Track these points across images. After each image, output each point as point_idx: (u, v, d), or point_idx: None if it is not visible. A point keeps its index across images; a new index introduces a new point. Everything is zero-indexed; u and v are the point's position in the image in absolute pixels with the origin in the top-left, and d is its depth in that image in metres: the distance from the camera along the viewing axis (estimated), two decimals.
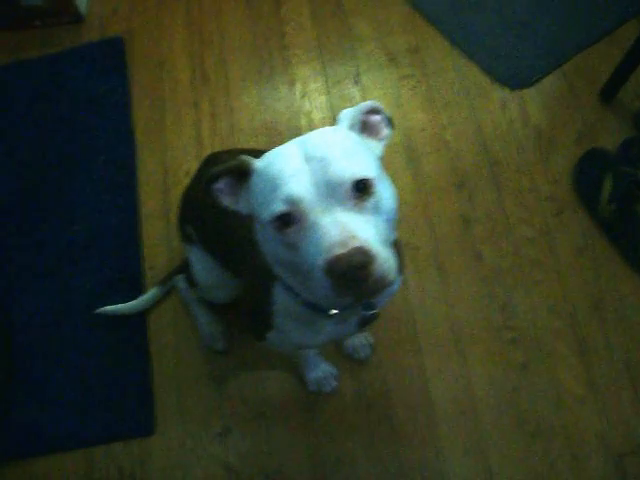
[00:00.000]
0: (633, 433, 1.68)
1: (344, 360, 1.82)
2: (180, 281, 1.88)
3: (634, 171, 1.90)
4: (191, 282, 1.76)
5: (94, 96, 2.32)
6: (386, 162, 2.05)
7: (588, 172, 1.97)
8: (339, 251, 0.84)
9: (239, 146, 2.13)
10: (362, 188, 0.89)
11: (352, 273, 0.84)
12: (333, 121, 2.14)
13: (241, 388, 1.83)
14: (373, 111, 1.05)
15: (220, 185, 1.02)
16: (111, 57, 2.38)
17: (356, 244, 0.84)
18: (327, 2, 2.39)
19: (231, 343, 1.88)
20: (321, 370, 1.78)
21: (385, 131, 1.06)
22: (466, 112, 2.13)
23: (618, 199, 1.86)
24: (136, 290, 1.97)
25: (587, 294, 1.84)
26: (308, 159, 0.90)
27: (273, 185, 0.91)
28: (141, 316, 1.94)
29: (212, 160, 1.59)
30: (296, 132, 2.13)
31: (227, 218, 1.29)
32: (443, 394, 1.76)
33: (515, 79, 2.17)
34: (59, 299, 2.01)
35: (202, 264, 1.65)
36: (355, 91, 2.21)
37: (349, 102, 2.19)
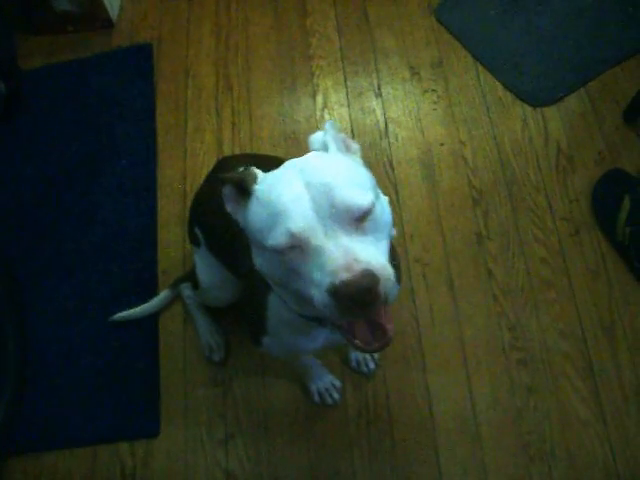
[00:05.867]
0: (638, 459, 1.64)
1: (349, 373, 1.82)
2: (186, 288, 1.91)
3: None
4: (195, 284, 1.79)
5: (120, 100, 2.37)
6: (402, 176, 2.06)
7: (607, 193, 1.94)
8: (345, 275, 0.84)
9: None
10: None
11: (360, 297, 0.85)
12: (352, 134, 2.15)
13: (246, 395, 1.85)
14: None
15: (226, 191, 1.03)
16: (139, 63, 2.43)
17: (361, 267, 0.85)
18: (353, 14, 2.40)
19: (229, 354, 1.89)
20: (324, 382, 1.78)
21: (354, 145, 1.05)
22: (486, 128, 2.12)
23: (635, 222, 1.83)
24: (150, 293, 2.00)
25: (599, 317, 1.81)
26: (308, 185, 0.90)
27: (274, 213, 0.91)
28: (152, 318, 1.97)
29: (222, 164, 1.62)
30: None
31: (231, 222, 1.31)
32: (446, 412, 1.75)
33: (538, 96, 2.15)
34: (74, 299, 2.05)
35: (206, 265, 1.67)
36: (376, 104, 2.22)
37: (369, 114, 2.19)
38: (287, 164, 0.98)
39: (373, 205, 0.90)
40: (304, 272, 0.89)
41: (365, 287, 0.84)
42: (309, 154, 0.99)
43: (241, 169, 1.03)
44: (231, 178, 1.01)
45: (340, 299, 0.85)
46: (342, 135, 1.04)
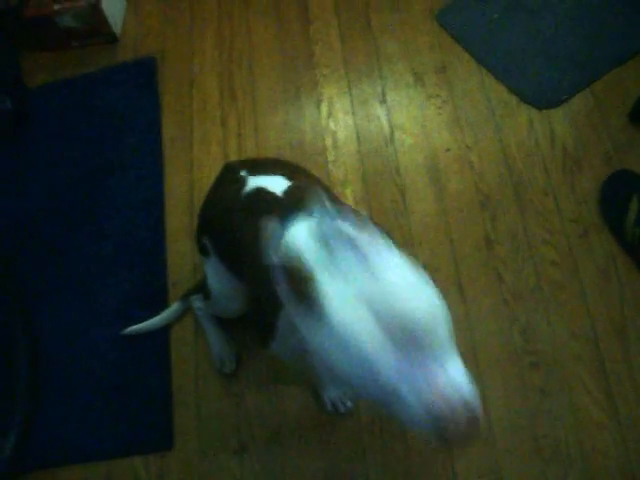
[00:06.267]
0: None
1: None
2: (196, 300, 1.91)
3: None
4: (205, 295, 1.79)
5: (125, 114, 2.39)
6: (409, 182, 2.07)
7: (614, 194, 1.93)
8: (451, 417, 0.81)
9: None
10: None
11: (465, 433, 0.83)
12: (358, 141, 2.15)
13: (259, 406, 1.85)
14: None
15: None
16: (143, 76, 2.45)
17: (458, 398, 0.82)
18: (356, 22, 2.41)
19: (241, 365, 1.89)
20: (337, 390, 1.78)
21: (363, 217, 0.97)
22: (492, 132, 2.12)
23: None
24: (161, 305, 2.00)
25: (610, 318, 1.80)
26: (384, 323, 0.84)
27: (351, 359, 0.86)
28: (163, 331, 1.98)
29: (228, 169, 1.61)
30: (321, 152, 2.15)
31: (242, 236, 1.32)
32: None
33: (543, 99, 2.14)
34: (85, 313, 2.06)
35: (216, 274, 1.66)
36: (380, 110, 2.22)
37: (374, 121, 2.20)
38: (348, 279, 0.89)
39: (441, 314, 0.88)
40: (388, 395, 0.86)
41: (472, 428, 0.83)
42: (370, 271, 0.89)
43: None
44: (291, 280, 0.93)
45: (441, 430, 0.83)
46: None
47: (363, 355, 0.84)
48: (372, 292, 0.86)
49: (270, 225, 0.97)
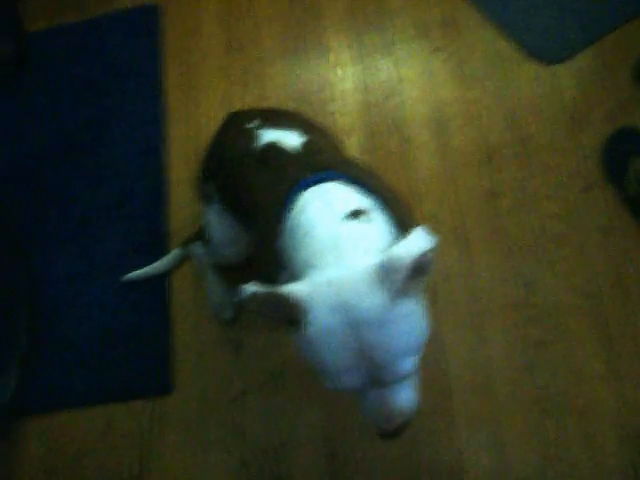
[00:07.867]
0: None
1: None
2: (197, 247, 1.90)
3: None
4: (205, 241, 1.79)
5: (127, 61, 2.36)
6: (414, 134, 2.05)
7: (617, 150, 1.93)
8: (386, 426, 1.02)
9: None
10: None
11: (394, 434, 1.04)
12: (364, 92, 2.14)
13: (258, 352, 1.85)
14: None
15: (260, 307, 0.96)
16: (145, 23, 2.42)
17: (400, 421, 1.02)
18: None
19: (240, 313, 1.90)
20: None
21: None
22: (497, 86, 2.10)
23: None
24: (160, 253, 2.00)
25: (611, 272, 1.80)
26: (364, 354, 0.93)
27: (328, 370, 0.96)
28: (163, 278, 1.98)
29: (234, 119, 1.59)
30: (327, 101, 2.14)
31: (254, 189, 1.30)
32: (459, 366, 1.75)
33: (549, 54, 2.13)
34: (84, 259, 2.06)
35: (218, 221, 1.65)
36: (387, 62, 2.20)
37: (381, 72, 2.18)
38: (337, 302, 0.93)
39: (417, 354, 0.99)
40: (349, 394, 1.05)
41: (401, 431, 1.04)
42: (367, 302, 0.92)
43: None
44: (275, 311, 0.95)
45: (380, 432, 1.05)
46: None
47: (331, 368, 0.95)
48: (370, 323, 0.92)
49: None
